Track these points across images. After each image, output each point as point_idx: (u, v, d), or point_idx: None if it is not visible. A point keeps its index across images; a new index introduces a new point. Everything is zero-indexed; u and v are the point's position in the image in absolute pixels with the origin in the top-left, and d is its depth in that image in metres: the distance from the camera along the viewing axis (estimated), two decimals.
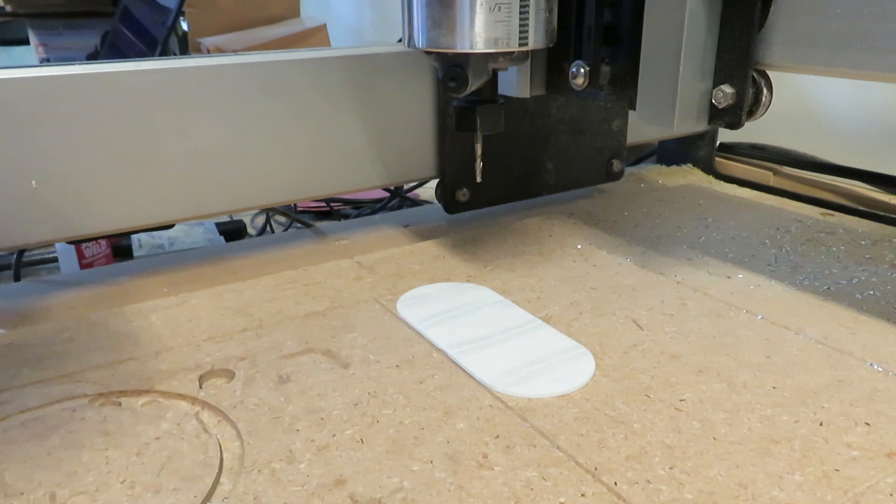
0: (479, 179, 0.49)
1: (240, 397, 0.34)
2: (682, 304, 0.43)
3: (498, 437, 0.31)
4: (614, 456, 0.30)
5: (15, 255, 0.58)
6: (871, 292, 0.44)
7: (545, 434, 0.31)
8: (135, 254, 0.74)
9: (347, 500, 0.28)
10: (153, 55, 0.99)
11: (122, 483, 0.29)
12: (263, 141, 0.50)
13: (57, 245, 0.71)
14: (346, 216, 0.85)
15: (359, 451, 0.30)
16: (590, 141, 0.62)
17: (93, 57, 1.30)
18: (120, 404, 0.34)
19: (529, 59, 0.47)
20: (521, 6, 0.40)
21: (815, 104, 0.81)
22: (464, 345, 0.38)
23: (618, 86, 0.44)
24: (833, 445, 0.30)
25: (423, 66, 0.55)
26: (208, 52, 1.30)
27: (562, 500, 0.27)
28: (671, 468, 0.29)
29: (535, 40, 0.42)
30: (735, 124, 0.40)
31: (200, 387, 0.35)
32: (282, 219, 0.85)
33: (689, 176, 0.73)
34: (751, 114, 0.39)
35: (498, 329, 0.40)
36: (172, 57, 0.67)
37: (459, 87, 0.42)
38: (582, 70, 0.43)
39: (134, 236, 0.75)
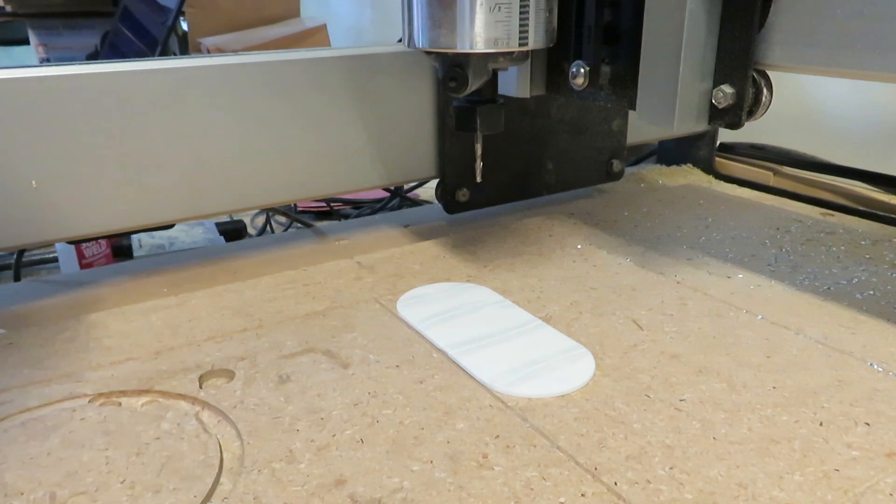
0: (479, 179, 0.49)
1: (240, 397, 0.34)
2: (682, 304, 0.43)
3: (498, 437, 0.31)
4: (614, 456, 0.30)
5: (15, 255, 0.58)
6: (871, 292, 0.44)
7: (545, 434, 0.31)
8: (135, 254, 0.74)
9: (347, 500, 0.28)
10: (153, 55, 0.99)
11: (122, 483, 0.29)
12: (263, 141, 0.50)
13: (57, 245, 0.71)
14: (346, 216, 0.85)
15: (359, 451, 0.30)
16: (590, 141, 0.62)
17: (93, 57, 1.30)
18: (120, 404, 0.34)
19: (529, 59, 0.47)
20: (521, 6, 0.40)
21: (815, 104, 0.81)
22: (464, 345, 0.38)
23: (618, 86, 0.44)
24: (833, 445, 0.30)
25: (423, 66, 0.55)
26: (208, 52, 1.30)
27: (562, 500, 0.27)
28: (671, 468, 0.29)
29: (535, 40, 0.42)
30: (735, 124, 0.40)
31: (200, 387, 0.35)
32: (282, 219, 0.85)
33: (689, 176, 0.73)
34: (751, 114, 0.39)
35: (498, 329, 0.40)
36: (172, 57, 0.67)
37: (459, 87, 0.42)
38: (582, 70, 0.43)
39: (134, 236, 0.75)
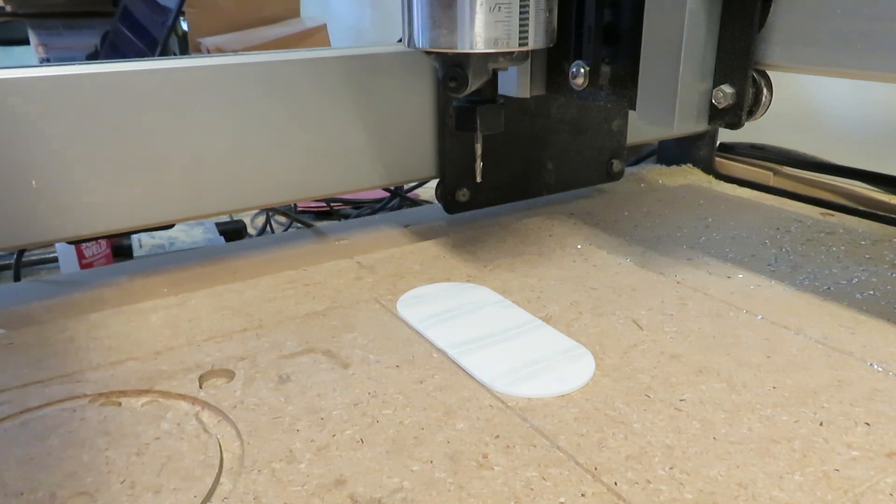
0: (479, 179, 0.49)
1: (240, 397, 0.34)
2: (682, 304, 0.43)
3: (498, 437, 0.31)
4: (614, 456, 0.30)
5: (15, 255, 0.58)
6: (871, 292, 0.44)
7: (545, 434, 0.31)
8: (135, 254, 0.74)
9: (347, 500, 0.28)
10: (153, 55, 0.99)
11: (122, 483, 0.29)
12: (263, 141, 0.50)
13: (57, 245, 0.71)
14: (346, 216, 0.85)
15: (359, 451, 0.30)
16: (590, 141, 0.62)
17: (93, 57, 1.30)
18: (120, 404, 0.34)
19: (529, 59, 0.47)
20: (521, 6, 0.40)
21: (815, 104, 0.81)
22: (464, 345, 0.38)
23: (618, 86, 0.44)
24: (833, 445, 0.30)
25: (423, 66, 0.55)
26: (208, 52, 1.30)
27: (562, 500, 0.27)
28: (671, 468, 0.29)
29: (535, 40, 0.42)
30: (735, 124, 0.40)
31: (200, 387, 0.35)
32: (282, 219, 0.85)
33: (689, 176, 0.73)
34: (751, 114, 0.39)
35: (498, 329, 0.40)
36: (172, 57, 0.67)
37: (459, 87, 0.42)
38: (582, 70, 0.43)
39: (134, 236, 0.75)
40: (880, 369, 0.36)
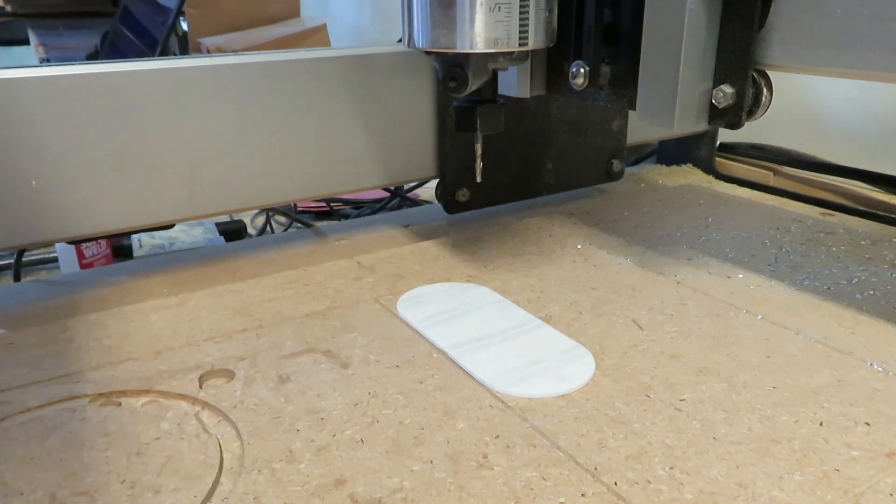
0: (479, 179, 0.49)
1: (240, 397, 0.34)
2: (682, 304, 0.43)
3: (498, 437, 0.31)
4: (614, 456, 0.30)
5: (15, 255, 0.58)
6: (871, 292, 0.44)
7: (545, 434, 0.31)
8: (135, 254, 0.74)
9: (347, 500, 0.28)
10: (153, 55, 0.99)
11: (122, 483, 0.29)
12: (263, 141, 0.50)
13: (57, 245, 0.71)
14: (346, 216, 0.85)
15: (359, 451, 0.30)
16: (590, 141, 0.62)
17: (93, 57, 1.30)
18: (120, 404, 0.34)
19: (529, 59, 0.47)
20: (521, 6, 0.40)
21: (815, 104, 0.81)
22: (464, 345, 0.38)
23: (618, 86, 0.44)
24: (833, 445, 0.30)
25: (423, 66, 0.55)
26: (208, 52, 1.30)
27: (562, 500, 0.27)
28: (671, 468, 0.29)
29: (535, 40, 0.42)
30: (735, 124, 0.40)
31: (200, 387, 0.35)
32: (282, 219, 0.85)
33: (689, 176, 0.73)
34: (751, 114, 0.39)
35: (498, 329, 0.40)
36: (172, 57, 0.67)
37: (459, 87, 0.42)
38: (582, 70, 0.43)
39: (134, 236, 0.75)
40: (880, 369, 0.36)
